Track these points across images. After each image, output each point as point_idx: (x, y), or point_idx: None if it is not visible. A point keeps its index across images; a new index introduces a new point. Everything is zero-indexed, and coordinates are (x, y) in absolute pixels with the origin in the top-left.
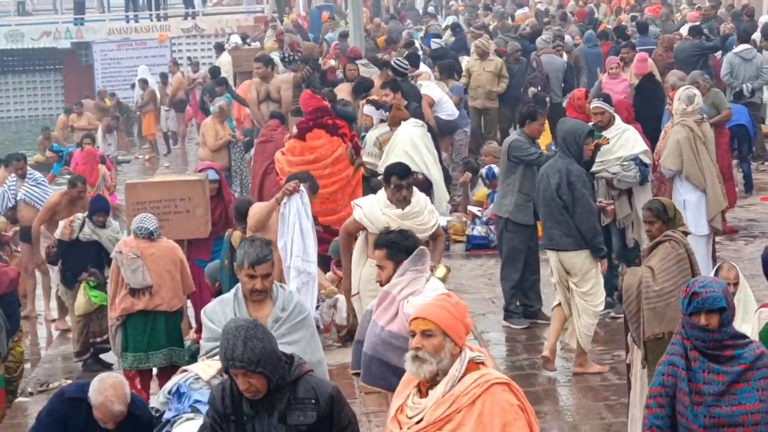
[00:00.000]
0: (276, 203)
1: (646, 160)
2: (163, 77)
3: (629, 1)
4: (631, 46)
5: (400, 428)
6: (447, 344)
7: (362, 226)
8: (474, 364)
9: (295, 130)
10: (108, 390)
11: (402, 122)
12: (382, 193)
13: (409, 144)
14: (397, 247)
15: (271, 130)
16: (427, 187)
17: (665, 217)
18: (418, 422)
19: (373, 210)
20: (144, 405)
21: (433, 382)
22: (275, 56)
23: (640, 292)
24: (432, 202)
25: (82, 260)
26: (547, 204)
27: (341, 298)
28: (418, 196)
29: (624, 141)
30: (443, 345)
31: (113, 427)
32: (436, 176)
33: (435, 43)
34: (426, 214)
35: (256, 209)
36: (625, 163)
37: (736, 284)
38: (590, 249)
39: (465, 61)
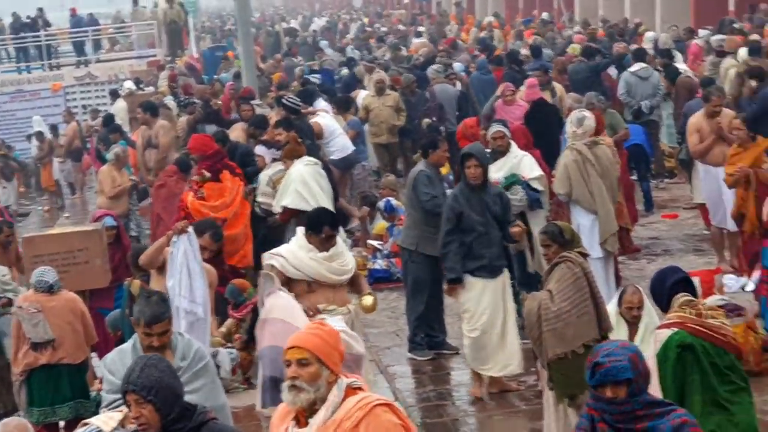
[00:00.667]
0: (166, 240)
1: (538, 186)
2: (53, 129)
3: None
4: (544, 69)
5: None
6: (323, 372)
7: (284, 276)
8: (351, 390)
9: (204, 173)
10: None
11: (296, 159)
12: (299, 239)
13: (300, 182)
14: None
15: (167, 175)
16: None
17: (561, 240)
18: None
19: (299, 256)
20: None
21: (311, 410)
22: (169, 100)
23: (540, 315)
24: None
25: None
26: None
27: (222, 351)
28: (338, 239)
29: (522, 167)
30: (320, 373)
31: None
32: None
33: (315, 79)
34: (347, 254)
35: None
36: (513, 188)
37: (640, 308)
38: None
39: (360, 96)
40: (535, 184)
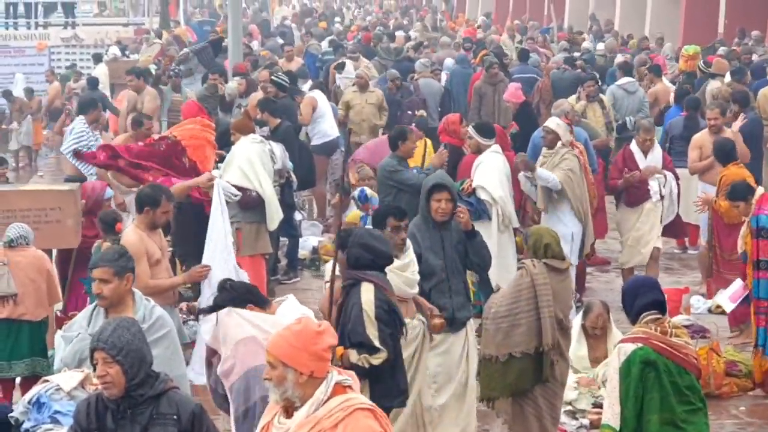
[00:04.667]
0: (193, 184)
1: (483, 195)
2: (28, 92)
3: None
4: (594, 80)
5: None
6: (289, 375)
7: None
8: (341, 387)
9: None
10: None
11: (244, 135)
12: None
13: (245, 160)
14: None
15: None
16: (260, 204)
17: (525, 246)
18: None
19: None
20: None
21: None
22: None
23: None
24: (264, 220)
25: None
26: None
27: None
28: (408, 245)
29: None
30: (285, 376)
31: None
32: (269, 193)
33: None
34: (416, 263)
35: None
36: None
37: (603, 328)
38: None
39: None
40: (481, 193)
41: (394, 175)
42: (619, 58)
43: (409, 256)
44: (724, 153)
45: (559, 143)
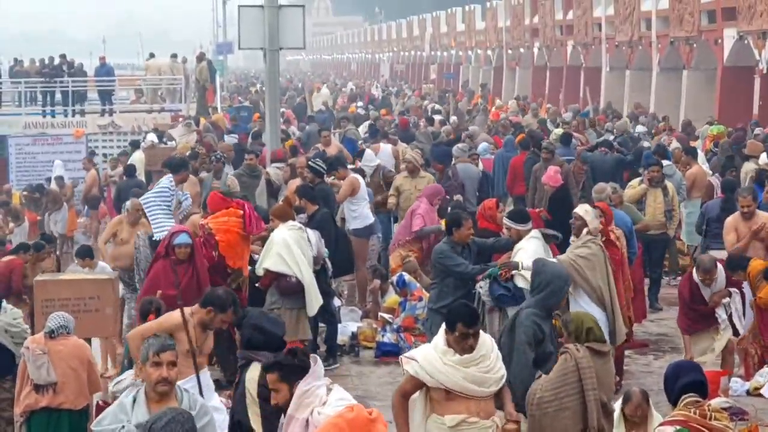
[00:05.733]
0: None
1: (521, 283)
2: (59, 180)
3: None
4: (659, 165)
5: None
6: None
7: (420, 383)
8: None
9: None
10: None
11: (282, 222)
12: (439, 337)
13: (283, 246)
14: (288, 368)
15: None
16: (299, 289)
17: (566, 332)
18: None
19: (432, 360)
20: None
21: None
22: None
23: (530, 399)
24: (304, 305)
25: None
26: None
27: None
28: (484, 338)
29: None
30: None
31: None
32: (308, 279)
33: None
34: (493, 358)
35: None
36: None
37: (642, 415)
38: None
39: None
40: (518, 280)
41: (445, 260)
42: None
43: (481, 352)
44: (735, 262)
45: (584, 230)
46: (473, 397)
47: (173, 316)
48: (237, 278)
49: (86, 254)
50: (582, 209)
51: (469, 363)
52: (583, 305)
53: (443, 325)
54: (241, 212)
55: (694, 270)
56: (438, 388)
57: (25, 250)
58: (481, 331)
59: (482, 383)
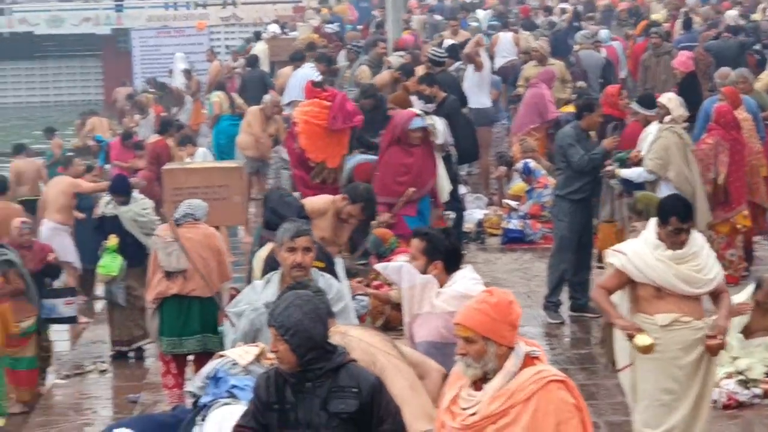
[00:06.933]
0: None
1: (650, 165)
2: (187, 73)
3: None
4: None
5: (453, 419)
6: (490, 348)
7: (625, 279)
8: (530, 359)
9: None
10: None
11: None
12: (649, 231)
13: None
14: (434, 244)
15: None
16: None
17: (635, 213)
18: (472, 414)
19: (642, 254)
20: None
21: (485, 376)
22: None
23: None
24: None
25: (105, 236)
26: None
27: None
28: (695, 235)
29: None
30: (485, 349)
31: None
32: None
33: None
34: (704, 256)
35: None
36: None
37: None
38: None
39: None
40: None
41: (567, 147)
42: None
43: (693, 249)
44: None
45: (667, 117)
46: (683, 295)
47: (320, 200)
48: (320, 173)
49: (187, 141)
50: (666, 97)
51: (681, 259)
52: (665, 191)
53: (654, 220)
54: (327, 104)
55: None
56: (646, 285)
57: (178, 129)
58: (692, 229)
59: (693, 283)
